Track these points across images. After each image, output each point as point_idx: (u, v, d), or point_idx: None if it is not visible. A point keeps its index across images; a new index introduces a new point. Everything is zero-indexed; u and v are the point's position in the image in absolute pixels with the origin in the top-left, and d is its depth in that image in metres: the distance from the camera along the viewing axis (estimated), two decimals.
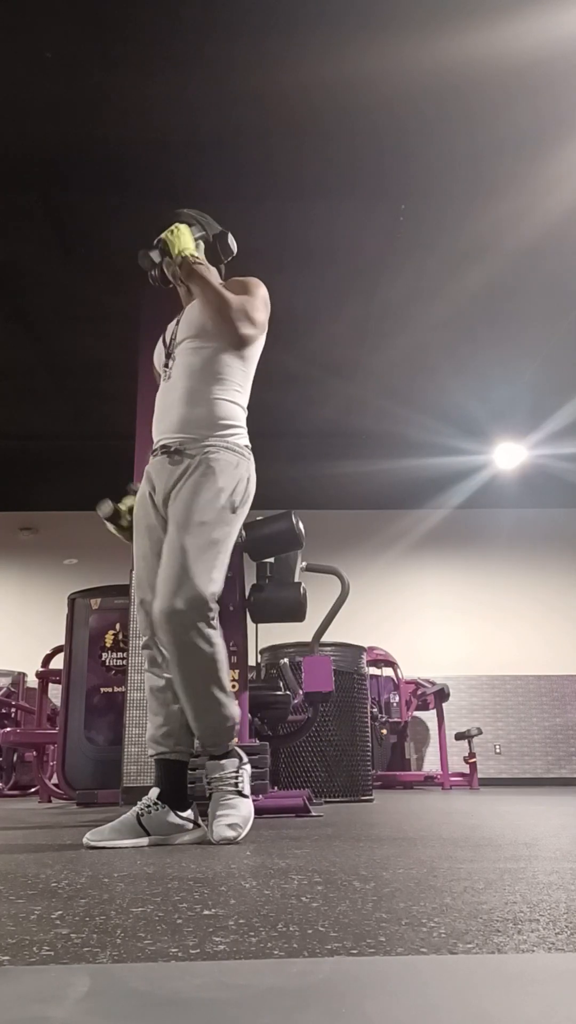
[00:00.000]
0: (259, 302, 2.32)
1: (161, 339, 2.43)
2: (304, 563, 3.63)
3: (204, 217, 2.44)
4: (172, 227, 2.31)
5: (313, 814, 3.01)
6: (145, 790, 2.08)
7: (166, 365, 2.34)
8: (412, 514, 9.82)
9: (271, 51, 3.84)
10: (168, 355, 2.35)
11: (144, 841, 1.93)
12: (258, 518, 3.05)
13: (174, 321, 2.41)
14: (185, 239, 2.29)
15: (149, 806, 1.99)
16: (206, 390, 2.26)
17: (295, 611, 3.19)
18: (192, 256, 2.28)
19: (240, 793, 2.04)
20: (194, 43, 3.84)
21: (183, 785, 2.08)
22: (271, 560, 3.27)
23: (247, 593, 3.03)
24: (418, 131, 4.35)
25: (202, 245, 2.39)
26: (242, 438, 2.29)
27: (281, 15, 3.66)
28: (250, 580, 3.13)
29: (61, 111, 4.09)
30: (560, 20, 3.67)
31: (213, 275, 2.32)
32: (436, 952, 0.78)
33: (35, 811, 4.04)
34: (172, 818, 2.00)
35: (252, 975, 0.71)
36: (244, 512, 2.25)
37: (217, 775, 2.06)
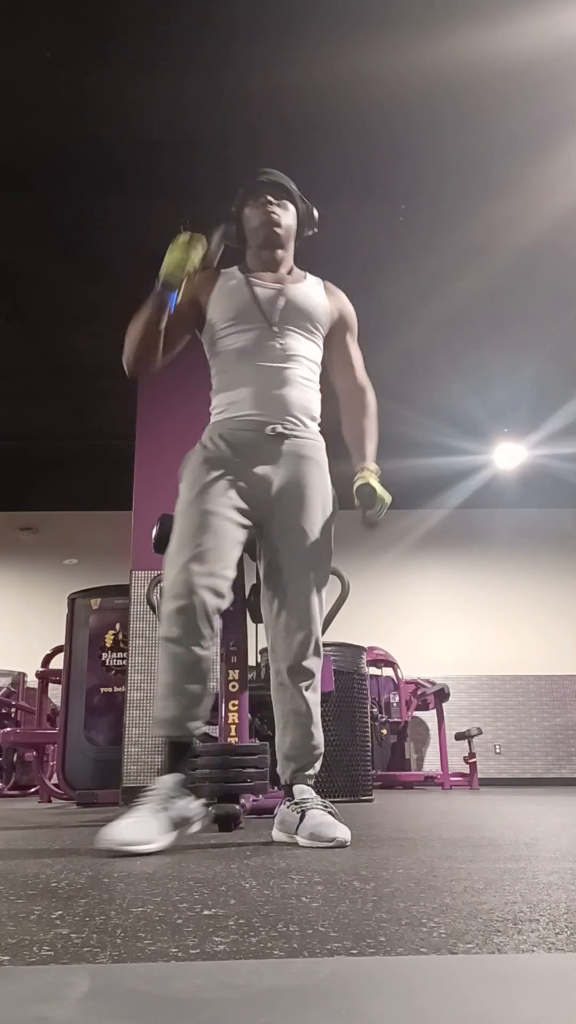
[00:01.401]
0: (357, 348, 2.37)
1: (245, 290, 2.18)
2: None
3: (293, 186, 2.30)
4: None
5: None
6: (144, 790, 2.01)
7: (279, 343, 2.14)
8: (412, 514, 9.81)
9: (270, 51, 3.84)
10: (273, 327, 2.15)
11: (172, 837, 1.75)
12: None
13: (268, 287, 2.20)
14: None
15: (174, 796, 1.81)
16: (313, 384, 2.23)
17: None
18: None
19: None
20: (192, 44, 3.84)
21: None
22: None
23: (247, 593, 3.02)
24: (416, 131, 4.35)
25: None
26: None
27: (280, 15, 3.66)
28: (250, 580, 3.12)
29: (61, 111, 4.09)
30: (559, 20, 3.67)
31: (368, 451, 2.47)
32: (436, 952, 0.78)
33: (35, 811, 4.04)
34: (194, 807, 1.85)
35: (252, 975, 0.71)
36: None
37: (307, 795, 2.00)
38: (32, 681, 6.93)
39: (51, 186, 4.60)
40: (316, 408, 2.25)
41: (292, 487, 2.14)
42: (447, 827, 2.50)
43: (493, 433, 8.09)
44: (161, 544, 2.18)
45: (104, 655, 5.04)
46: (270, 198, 2.24)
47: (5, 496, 9.56)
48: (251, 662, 4.36)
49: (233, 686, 2.89)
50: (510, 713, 9.48)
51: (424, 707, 8.36)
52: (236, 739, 2.80)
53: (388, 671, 8.41)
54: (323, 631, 4.81)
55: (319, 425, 2.27)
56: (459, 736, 8.02)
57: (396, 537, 9.78)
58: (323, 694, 3.89)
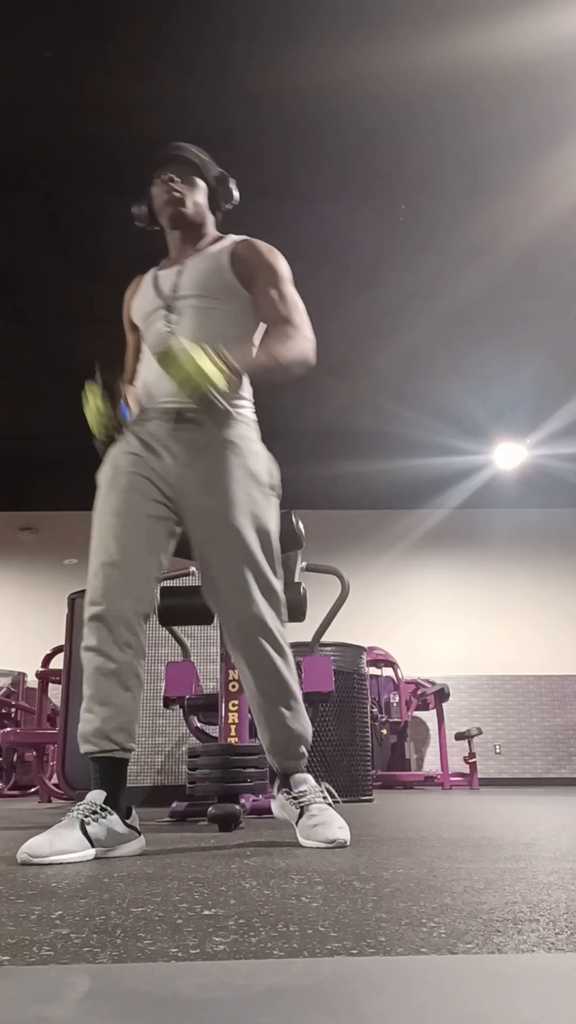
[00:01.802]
0: (292, 289, 2.05)
1: (150, 285, 2.11)
2: (304, 563, 3.63)
3: (203, 158, 2.15)
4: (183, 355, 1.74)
5: None
6: (144, 790, 2.01)
7: (167, 320, 2.02)
8: (412, 514, 9.82)
9: (270, 51, 3.85)
10: (168, 308, 2.04)
11: (90, 854, 1.62)
12: None
13: (170, 269, 2.11)
14: (208, 368, 1.74)
15: (95, 812, 1.69)
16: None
17: (295, 611, 3.19)
18: (225, 377, 1.77)
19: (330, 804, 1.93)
20: (191, 44, 3.84)
21: (125, 787, 1.83)
22: None
23: None
24: (417, 130, 4.36)
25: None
26: (252, 411, 2.08)
27: (281, 16, 3.67)
28: None
29: (61, 111, 4.09)
30: (558, 20, 3.67)
31: (246, 354, 1.98)
32: (436, 952, 0.78)
33: (35, 811, 4.04)
34: (121, 827, 1.72)
35: (252, 975, 0.71)
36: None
37: (304, 788, 1.95)
38: (32, 681, 6.93)
39: (51, 186, 4.60)
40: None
41: (199, 474, 1.92)
42: (447, 827, 2.50)
43: (493, 433, 8.09)
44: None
45: None
46: (172, 175, 2.10)
47: (5, 496, 9.57)
48: None
49: (233, 686, 2.89)
50: (510, 713, 9.48)
51: (424, 707, 8.36)
52: (236, 739, 2.80)
53: (388, 671, 8.41)
54: (323, 632, 4.80)
55: (242, 399, 2.02)
56: (459, 736, 8.02)
57: (396, 537, 9.78)
58: (323, 694, 3.90)
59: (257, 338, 2.10)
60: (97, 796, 1.74)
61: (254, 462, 1.97)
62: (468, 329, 6.34)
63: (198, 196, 2.13)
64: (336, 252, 5.35)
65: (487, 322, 6.26)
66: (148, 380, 2.03)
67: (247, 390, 2.05)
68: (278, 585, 1.98)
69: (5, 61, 3.83)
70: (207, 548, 1.94)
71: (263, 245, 2.11)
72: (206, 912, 1.00)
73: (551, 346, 6.55)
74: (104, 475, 1.98)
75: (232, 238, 2.15)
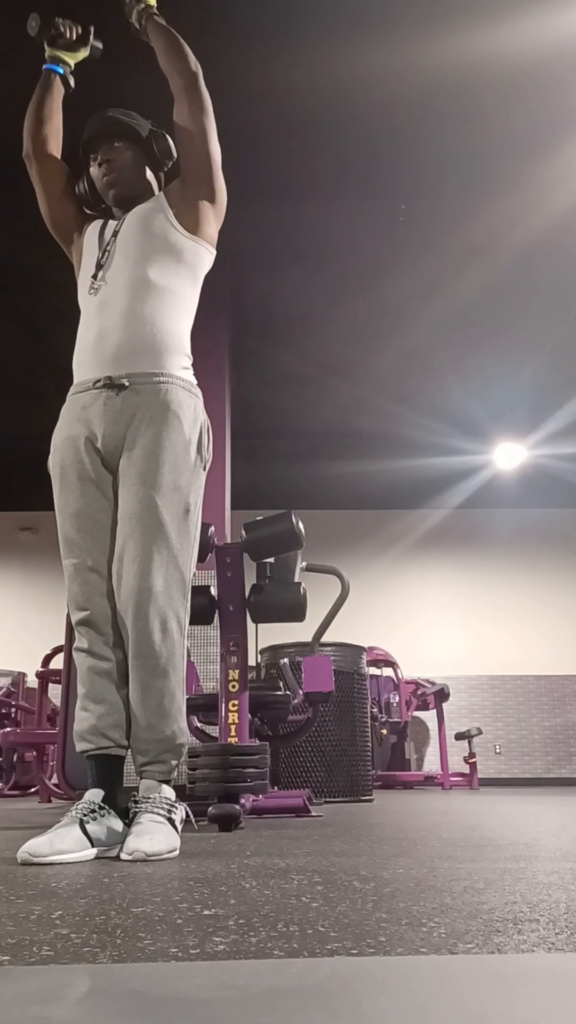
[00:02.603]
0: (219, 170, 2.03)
1: (90, 246, 2.05)
2: (304, 563, 3.63)
3: (132, 121, 2.12)
4: None
5: (313, 814, 3.01)
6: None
7: (95, 276, 1.97)
8: (412, 514, 9.82)
9: (270, 51, 3.85)
10: (99, 266, 1.98)
11: (90, 854, 1.62)
12: (258, 518, 3.05)
13: (104, 230, 2.04)
14: None
15: (94, 811, 1.68)
16: (153, 311, 1.90)
17: (295, 611, 3.19)
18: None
19: (172, 821, 1.73)
20: (192, 44, 3.83)
21: (122, 785, 1.81)
22: (271, 560, 3.27)
23: (247, 593, 3.03)
24: (416, 131, 4.36)
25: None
26: (191, 373, 1.96)
27: (280, 16, 3.67)
28: (250, 580, 3.12)
29: (61, 111, 4.08)
30: (557, 21, 3.67)
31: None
32: (436, 952, 0.78)
33: (35, 811, 4.04)
34: (120, 825, 1.71)
35: (252, 975, 0.71)
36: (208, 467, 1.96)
37: (154, 796, 1.76)
38: (32, 681, 6.93)
39: None
40: (156, 345, 1.89)
41: (132, 441, 1.83)
42: (447, 827, 2.50)
43: (493, 433, 8.10)
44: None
45: None
46: (101, 156, 2.08)
47: (5, 496, 9.57)
48: (251, 662, 4.36)
49: (233, 686, 2.89)
50: (510, 713, 9.48)
51: (424, 707, 8.36)
52: (236, 739, 2.80)
53: (388, 671, 8.41)
54: (323, 632, 4.79)
55: (182, 359, 1.95)
56: (459, 736, 8.03)
57: (396, 537, 9.79)
58: (323, 694, 3.91)
59: (191, 298, 2.01)
60: (95, 795, 1.73)
61: (190, 431, 1.87)
62: (468, 330, 6.34)
63: (126, 160, 2.07)
64: (336, 252, 5.35)
65: (487, 323, 6.26)
66: (82, 348, 1.97)
67: (186, 352, 1.96)
68: (185, 565, 1.84)
69: (5, 61, 3.82)
70: (124, 511, 1.83)
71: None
72: (206, 912, 1.00)
73: (550, 346, 6.55)
74: (53, 469, 1.92)
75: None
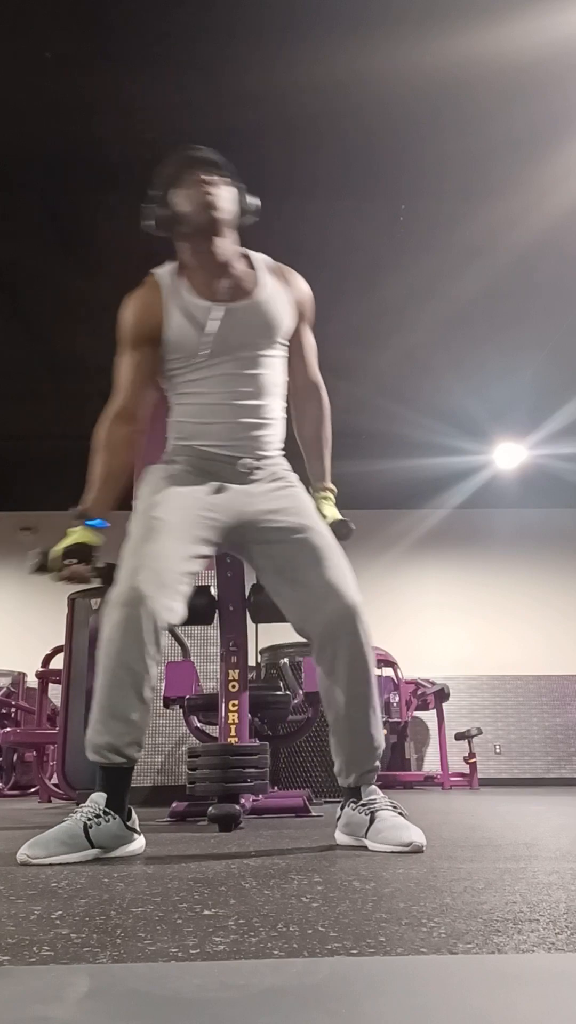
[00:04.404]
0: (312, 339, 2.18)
1: (183, 314, 1.93)
2: None
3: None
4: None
5: (313, 814, 3.01)
6: (145, 790, 1.99)
7: (213, 354, 1.94)
8: (412, 514, 9.82)
9: (270, 51, 3.85)
10: (210, 348, 1.93)
11: (90, 855, 1.62)
12: None
13: (209, 302, 1.92)
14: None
15: (98, 815, 1.68)
16: (276, 410, 2.12)
17: None
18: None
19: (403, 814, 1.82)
20: (191, 44, 3.84)
21: (128, 792, 1.79)
22: None
23: (247, 593, 3.02)
24: (416, 131, 4.35)
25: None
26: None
27: (280, 15, 3.67)
28: (250, 580, 3.12)
29: (61, 111, 4.09)
30: (558, 21, 3.67)
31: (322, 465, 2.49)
32: (436, 952, 0.78)
33: (35, 811, 4.04)
34: (122, 830, 1.71)
35: (252, 975, 0.71)
36: None
37: (374, 796, 1.86)
38: (32, 681, 6.93)
39: (51, 186, 4.60)
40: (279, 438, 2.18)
41: (272, 504, 2.09)
42: (447, 827, 2.50)
43: (493, 433, 8.09)
44: None
45: None
46: (204, 176, 1.90)
47: (5, 496, 9.56)
48: (251, 662, 4.36)
49: (233, 686, 2.89)
50: (510, 713, 9.48)
51: (424, 707, 8.36)
52: (236, 739, 2.80)
53: (388, 671, 8.40)
54: None
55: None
56: (459, 736, 8.03)
57: (396, 537, 9.78)
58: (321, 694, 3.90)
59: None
60: (99, 799, 1.71)
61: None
62: (468, 329, 6.34)
63: (229, 202, 1.94)
64: (336, 252, 5.35)
65: (487, 322, 6.26)
66: (196, 421, 2.03)
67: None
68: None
69: (5, 61, 3.83)
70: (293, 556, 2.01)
71: (301, 278, 2.09)
72: (206, 912, 1.00)
73: (550, 346, 6.55)
74: (149, 486, 2.06)
75: (265, 262, 2.03)
